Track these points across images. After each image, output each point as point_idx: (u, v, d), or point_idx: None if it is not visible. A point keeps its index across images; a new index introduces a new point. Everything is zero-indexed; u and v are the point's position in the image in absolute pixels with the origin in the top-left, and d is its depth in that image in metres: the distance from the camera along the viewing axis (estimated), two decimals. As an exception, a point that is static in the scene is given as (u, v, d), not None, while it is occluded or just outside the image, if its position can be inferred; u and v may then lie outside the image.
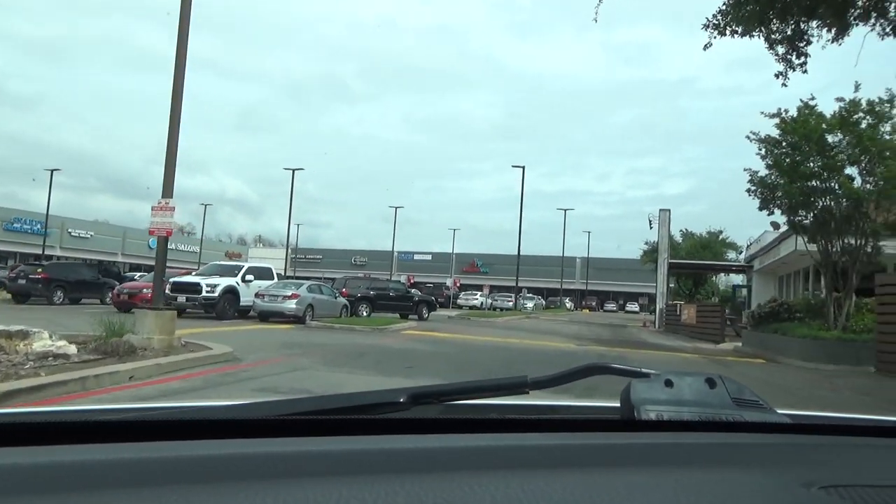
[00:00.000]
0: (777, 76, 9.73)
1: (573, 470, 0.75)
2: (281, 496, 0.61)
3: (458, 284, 37.64)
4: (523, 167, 40.28)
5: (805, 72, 9.37)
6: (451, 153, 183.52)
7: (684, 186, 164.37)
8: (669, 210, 32.88)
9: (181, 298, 19.57)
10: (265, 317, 20.20)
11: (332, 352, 12.38)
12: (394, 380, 9.25)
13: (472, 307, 48.02)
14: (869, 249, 15.92)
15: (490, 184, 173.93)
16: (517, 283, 42.74)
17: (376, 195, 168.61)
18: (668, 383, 0.97)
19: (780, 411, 1.05)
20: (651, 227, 35.27)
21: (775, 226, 35.23)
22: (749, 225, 68.74)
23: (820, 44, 9.63)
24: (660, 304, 32.81)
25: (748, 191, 17.73)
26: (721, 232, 46.82)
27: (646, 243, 50.37)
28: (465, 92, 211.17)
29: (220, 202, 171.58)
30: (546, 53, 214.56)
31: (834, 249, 16.55)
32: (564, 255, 69.95)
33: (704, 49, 9.55)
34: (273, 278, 22.41)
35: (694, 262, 40.92)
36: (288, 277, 39.43)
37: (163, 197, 10.34)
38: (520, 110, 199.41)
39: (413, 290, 29.70)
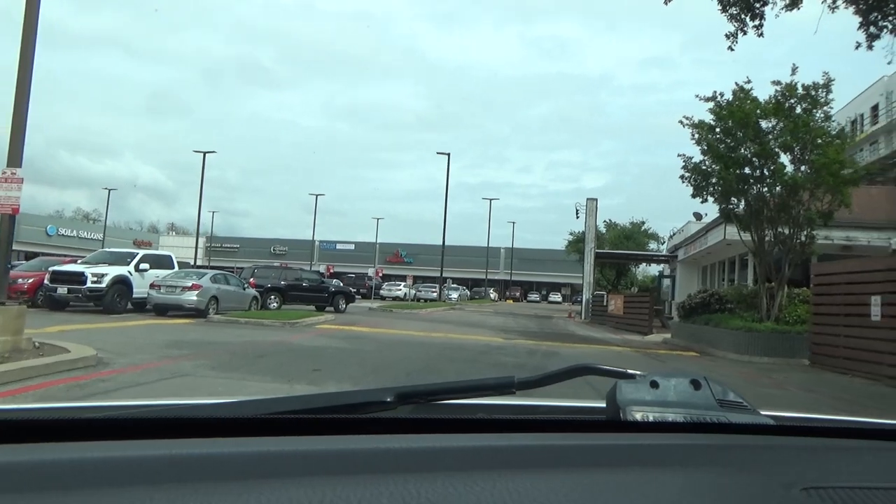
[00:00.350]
0: (727, 37, 8.78)
1: (559, 470, 0.75)
2: (265, 496, 0.61)
3: (380, 274, 35.90)
4: (448, 154, 39.12)
5: (761, 35, 8.45)
6: (375, 142, 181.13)
7: (602, 180, 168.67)
8: (596, 199, 32.38)
9: (62, 290, 17.26)
10: (162, 310, 18.12)
11: (228, 352, 10.70)
12: (294, 387, 7.75)
13: (395, 298, 46.64)
14: (803, 239, 15.49)
15: (414, 174, 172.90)
16: (441, 274, 41.61)
17: (298, 183, 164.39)
18: (654, 384, 0.97)
19: (763, 413, 1.05)
20: (578, 217, 34.78)
21: (698, 216, 35.44)
22: (666, 218, 70.16)
23: (774, 12, 8.75)
24: (586, 295, 32.20)
25: (682, 177, 17.04)
26: (644, 223, 47.24)
27: (571, 233, 50.39)
28: (387, 81, 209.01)
29: (131, 189, 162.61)
30: (468, 45, 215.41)
31: (767, 239, 16.06)
32: (489, 245, 69.60)
33: (666, 3, 8.48)
34: (173, 267, 20.25)
35: (620, 252, 40.94)
36: (200, 267, 36.81)
37: (8, 166, 8.40)
38: (443, 101, 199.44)
39: (329, 281, 27.91)
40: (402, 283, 48.98)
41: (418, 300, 46.04)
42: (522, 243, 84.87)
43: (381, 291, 47.43)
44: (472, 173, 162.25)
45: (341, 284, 30.20)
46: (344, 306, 24.68)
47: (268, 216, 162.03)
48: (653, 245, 46.01)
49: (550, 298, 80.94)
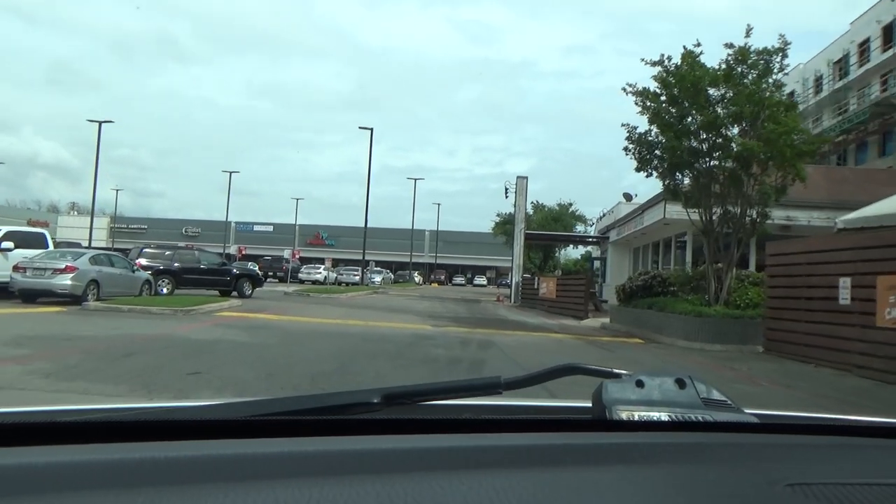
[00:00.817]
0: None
1: (545, 469, 0.75)
2: (251, 497, 0.61)
3: (297, 256, 33.04)
4: (371, 129, 36.91)
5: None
6: (297, 123, 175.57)
7: (526, 165, 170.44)
8: (527, 178, 30.77)
9: None
10: (29, 297, 15.35)
11: (85, 350, 8.41)
12: (155, 400, 5.62)
13: (315, 282, 44.26)
14: (754, 216, 14.35)
15: (338, 157, 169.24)
16: (364, 256, 39.48)
17: (217, 164, 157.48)
18: (640, 384, 0.97)
19: (747, 411, 1.06)
20: (507, 196, 33.25)
21: (628, 197, 34.67)
22: (591, 203, 70.44)
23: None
24: (515, 278, 30.72)
25: (625, 149, 15.61)
26: (571, 204, 46.43)
27: (498, 215, 49.07)
28: (311, 60, 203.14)
29: (31, 166, 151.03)
30: (394, 26, 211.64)
31: (715, 216, 14.86)
32: (414, 227, 67.71)
33: None
34: (47, 246, 17.33)
35: (551, 234, 39.87)
36: (94, 249, 33.14)
37: None
38: (368, 83, 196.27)
39: (234, 263, 25.25)
40: (322, 266, 46.51)
41: (339, 284, 43.79)
42: (448, 227, 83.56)
43: (300, 275, 44.83)
44: (399, 156, 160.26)
45: (250, 266, 27.55)
46: (250, 291, 22.13)
47: (185, 198, 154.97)
48: (580, 227, 45.27)
49: (476, 282, 80.00)
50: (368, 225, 37.15)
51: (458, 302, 29.92)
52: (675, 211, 18.98)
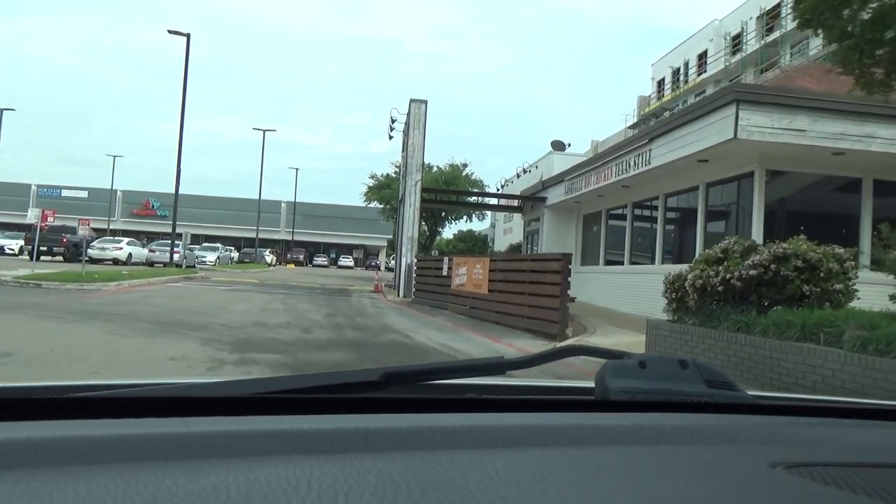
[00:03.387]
0: None
1: (547, 449, 0.74)
2: (253, 474, 0.60)
3: (49, 218, 20.03)
4: (188, 35, 25.02)
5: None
6: (148, 90, 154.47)
7: (389, 146, 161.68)
8: (426, 101, 20.37)
9: None
10: None
11: None
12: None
13: (115, 261, 31.54)
14: None
15: (194, 128, 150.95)
16: (174, 229, 27.49)
17: (53, 130, 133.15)
18: (642, 365, 0.97)
19: (749, 392, 1.06)
20: (393, 130, 22.53)
21: (559, 146, 25.21)
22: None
23: None
24: (406, 259, 19.74)
25: None
26: (466, 165, 36.56)
27: (371, 177, 38.21)
28: (162, 22, 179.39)
29: None
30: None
31: None
32: (264, 198, 55.45)
33: None
34: None
35: (461, 191, 29.81)
36: None
37: None
38: (225, 51, 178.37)
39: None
40: (126, 241, 33.60)
41: (152, 264, 31.42)
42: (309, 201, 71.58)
43: (91, 252, 31.77)
44: (258, 132, 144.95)
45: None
46: None
47: (15, 165, 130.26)
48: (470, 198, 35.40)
49: (341, 262, 68.84)
50: (212, 194, 25.41)
51: (316, 294, 19.18)
52: (759, 123, 9.57)
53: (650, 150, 12.37)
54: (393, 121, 21.67)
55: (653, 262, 14.27)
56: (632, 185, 14.48)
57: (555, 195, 19.18)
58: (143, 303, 13.02)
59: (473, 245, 61.35)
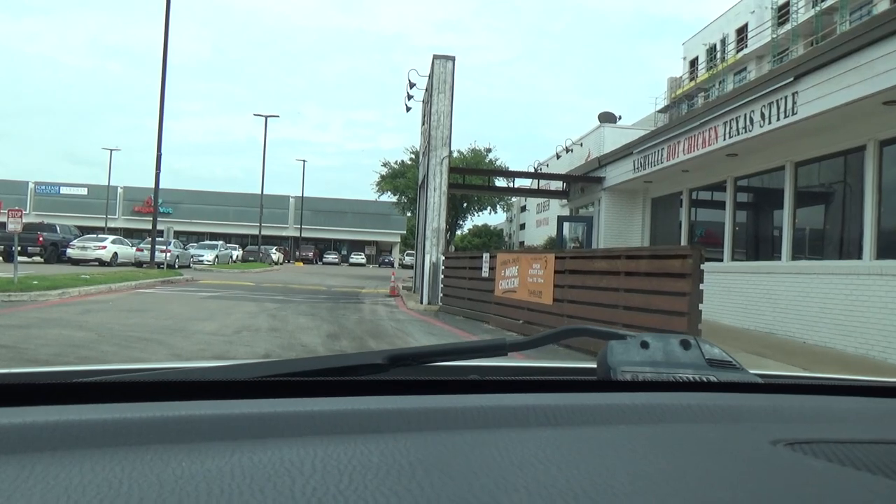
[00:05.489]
0: None
1: (549, 429, 0.74)
2: (257, 456, 0.61)
3: (18, 216, 17.00)
4: (167, 4, 21.38)
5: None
6: (154, 89, 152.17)
7: (400, 141, 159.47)
8: (454, 58, 16.02)
9: None
10: None
11: None
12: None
13: (98, 261, 28.15)
14: None
15: (200, 127, 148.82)
16: (155, 224, 23.88)
17: (61, 129, 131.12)
18: (644, 345, 0.97)
19: (752, 371, 1.04)
20: (409, 104, 18.65)
21: (608, 118, 21.24)
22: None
23: None
24: (431, 255, 15.75)
25: None
26: (490, 150, 32.64)
27: (384, 164, 34.36)
28: (173, 21, 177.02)
29: None
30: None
31: None
32: (277, 194, 51.66)
33: None
34: None
35: (497, 171, 25.99)
36: None
37: None
38: (230, 48, 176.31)
39: None
40: (110, 239, 30.07)
41: (140, 264, 27.96)
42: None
43: (72, 252, 28.32)
44: (265, 122, 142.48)
45: None
46: None
47: (19, 165, 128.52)
48: (500, 182, 31.44)
49: (352, 259, 65.27)
50: (215, 190, 21.81)
51: (318, 301, 15.46)
52: None
53: (795, 92, 8.43)
54: (411, 85, 17.76)
55: (780, 259, 10.35)
56: (743, 152, 10.56)
57: (616, 174, 15.21)
58: (68, 323, 9.30)
59: (489, 240, 56.91)
